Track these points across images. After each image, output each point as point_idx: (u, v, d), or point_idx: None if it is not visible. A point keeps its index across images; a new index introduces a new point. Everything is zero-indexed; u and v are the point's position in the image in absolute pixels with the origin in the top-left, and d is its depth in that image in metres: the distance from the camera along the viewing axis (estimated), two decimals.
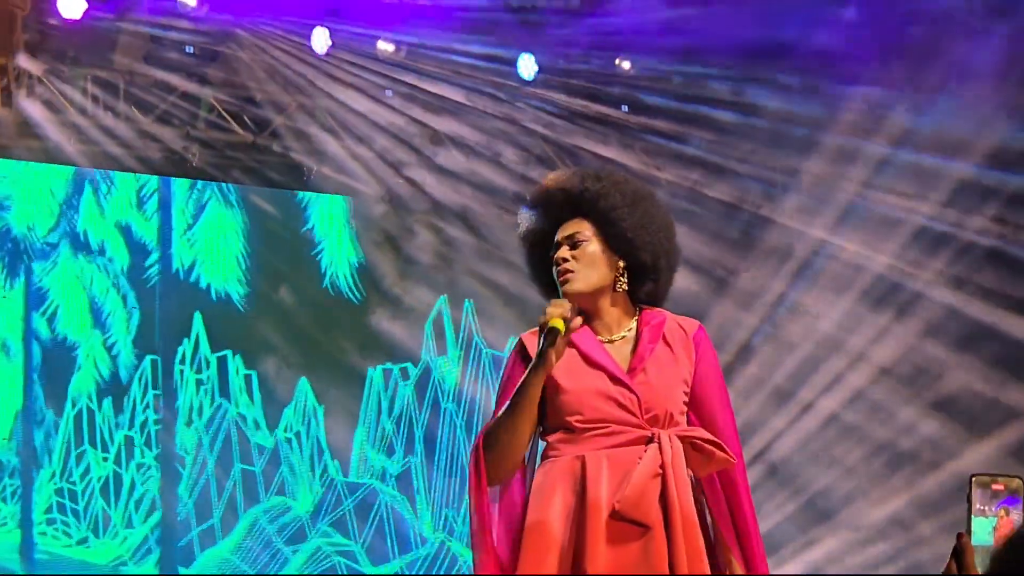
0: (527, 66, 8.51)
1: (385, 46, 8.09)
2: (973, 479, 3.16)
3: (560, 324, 3.69)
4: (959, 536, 2.74)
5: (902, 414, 9.51)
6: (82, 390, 8.91)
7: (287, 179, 8.81)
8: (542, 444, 3.96)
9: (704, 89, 8.72)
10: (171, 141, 8.24)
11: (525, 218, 4.06)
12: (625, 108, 8.92)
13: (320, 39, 7.84)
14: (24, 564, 8.86)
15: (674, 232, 4.00)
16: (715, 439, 3.83)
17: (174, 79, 8.04)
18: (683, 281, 4.62)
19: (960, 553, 2.69)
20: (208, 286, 9.12)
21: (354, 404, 9.65)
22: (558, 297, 3.86)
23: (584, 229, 3.90)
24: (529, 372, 3.78)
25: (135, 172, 8.64)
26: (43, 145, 8.01)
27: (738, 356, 9.43)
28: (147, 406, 9.01)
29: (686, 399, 3.90)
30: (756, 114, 8.84)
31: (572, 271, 3.85)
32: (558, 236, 3.92)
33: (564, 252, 3.88)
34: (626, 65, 8.70)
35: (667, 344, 3.93)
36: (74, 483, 8.99)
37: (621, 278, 3.90)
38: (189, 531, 9.28)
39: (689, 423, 3.87)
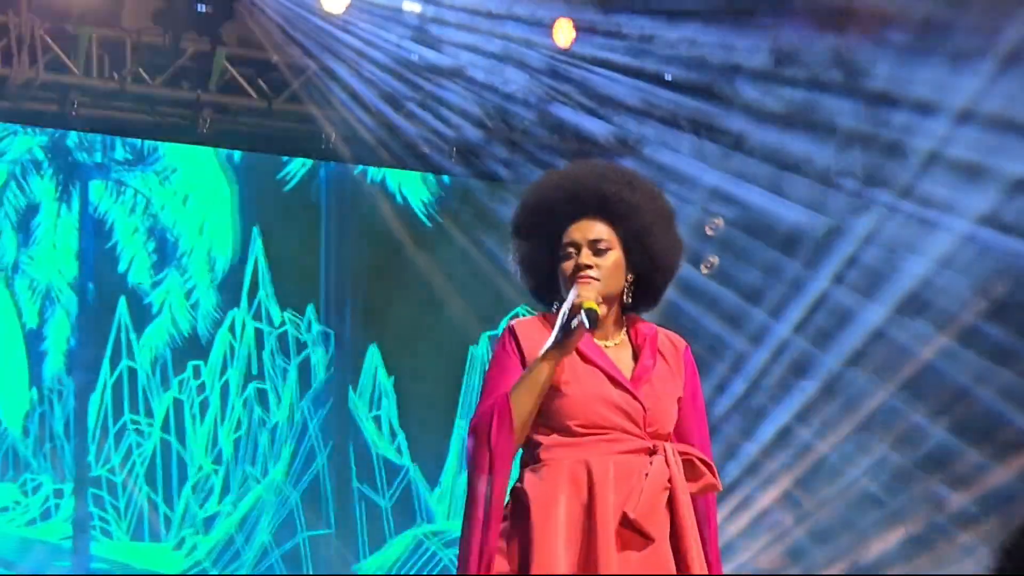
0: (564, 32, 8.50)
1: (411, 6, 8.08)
2: None
3: (596, 307, 3.68)
4: None
5: None
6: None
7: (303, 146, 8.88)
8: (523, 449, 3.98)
9: None
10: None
11: (532, 204, 4.03)
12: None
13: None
14: None
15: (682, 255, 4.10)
16: (709, 461, 3.95)
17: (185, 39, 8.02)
18: None
19: None
20: None
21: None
22: (554, 295, 3.90)
23: (609, 237, 3.91)
24: (548, 353, 3.74)
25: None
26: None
27: None
28: None
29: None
30: None
31: (595, 279, 3.85)
32: (576, 236, 3.91)
33: (588, 258, 3.89)
34: None
35: (663, 358, 3.99)
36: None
37: (628, 291, 3.90)
38: None
39: None
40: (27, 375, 9.24)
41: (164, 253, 9.43)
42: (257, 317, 9.72)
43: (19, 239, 9.21)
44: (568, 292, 3.82)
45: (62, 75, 7.91)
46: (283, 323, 9.80)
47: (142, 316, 9.45)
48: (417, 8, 8.08)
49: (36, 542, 9.60)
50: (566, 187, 3.98)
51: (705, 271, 10.06)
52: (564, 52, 8.60)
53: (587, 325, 3.68)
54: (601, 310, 3.78)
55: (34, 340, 9.25)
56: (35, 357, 9.28)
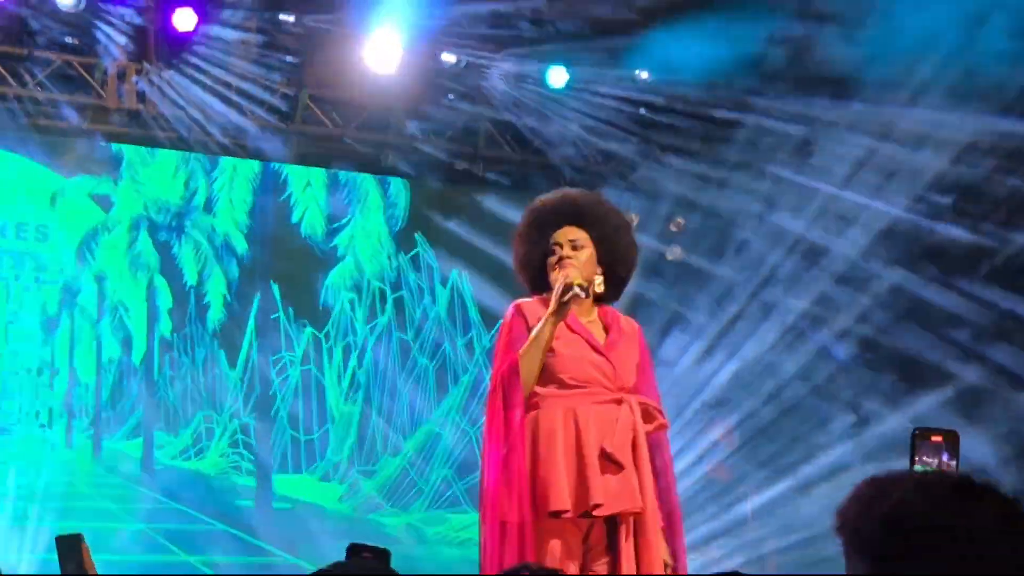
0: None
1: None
2: (915, 432, 3.73)
3: (580, 280, 4.82)
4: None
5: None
6: None
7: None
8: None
9: None
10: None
11: (529, 218, 5.22)
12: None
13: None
14: None
15: (637, 255, 5.34)
16: (660, 408, 5.18)
17: (276, 77, 9.45)
18: None
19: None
20: None
21: None
22: (546, 285, 5.03)
23: (582, 238, 5.08)
24: (548, 319, 4.88)
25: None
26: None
27: None
28: None
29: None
30: None
31: (572, 262, 5.01)
32: (558, 237, 5.08)
33: (567, 250, 5.05)
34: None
35: (624, 334, 5.18)
36: None
37: (600, 283, 5.09)
38: None
39: None
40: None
41: None
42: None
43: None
44: (556, 276, 4.97)
45: None
46: None
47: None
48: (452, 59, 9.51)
49: (219, 483, 10.84)
50: (553, 204, 5.21)
51: (674, 229, 10.87)
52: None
53: (581, 295, 4.83)
54: (585, 284, 4.89)
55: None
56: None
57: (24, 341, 10.35)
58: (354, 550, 3.60)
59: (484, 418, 5.36)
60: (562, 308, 4.88)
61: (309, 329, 11.02)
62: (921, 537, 2.21)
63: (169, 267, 10.64)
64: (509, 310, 5.27)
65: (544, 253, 5.17)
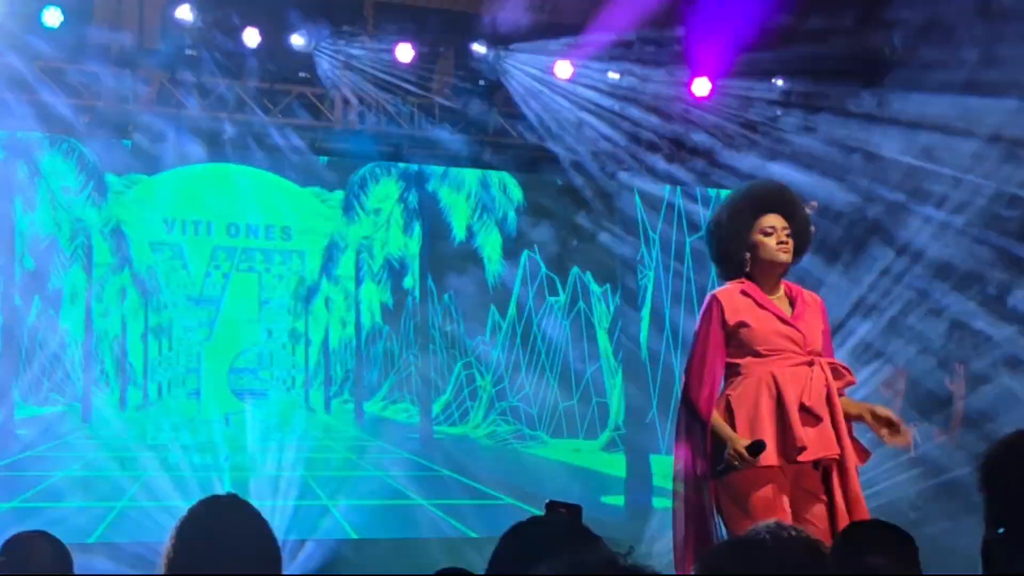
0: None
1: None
2: None
3: (737, 466, 5.40)
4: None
5: None
6: None
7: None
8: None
9: None
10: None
11: (736, 203, 5.78)
12: None
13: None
14: None
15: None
16: (847, 367, 5.78)
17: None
18: None
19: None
20: None
21: None
22: (735, 266, 5.68)
23: (787, 225, 5.68)
24: (734, 448, 5.40)
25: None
26: None
27: None
28: None
29: None
30: None
31: (787, 246, 5.65)
32: (772, 222, 5.67)
33: (782, 235, 5.67)
34: None
35: (808, 306, 5.76)
36: None
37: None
38: None
39: None
40: None
41: None
42: None
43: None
44: (766, 253, 5.59)
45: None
46: None
47: None
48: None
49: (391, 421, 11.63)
50: (763, 192, 5.81)
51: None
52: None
53: (754, 462, 5.35)
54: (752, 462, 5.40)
55: None
56: None
57: (275, 320, 11.33)
58: (551, 506, 3.99)
59: (682, 404, 5.90)
60: (736, 465, 5.45)
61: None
62: None
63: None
64: (708, 300, 5.83)
65: (747, 235, 5.75)
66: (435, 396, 11.72)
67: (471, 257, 11.88)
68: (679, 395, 5.93)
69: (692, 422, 5.72)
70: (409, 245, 11.71)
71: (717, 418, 5.64)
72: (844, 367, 5.79)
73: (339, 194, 11.52)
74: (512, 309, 11.86)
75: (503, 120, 10.96)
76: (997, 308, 11.01)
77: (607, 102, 10.95)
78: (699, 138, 11.29)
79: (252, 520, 3.74)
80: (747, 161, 11.12)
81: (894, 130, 10.93)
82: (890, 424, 5.73)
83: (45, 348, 10.58)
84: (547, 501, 3.98)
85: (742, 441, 5.45)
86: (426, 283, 11.85)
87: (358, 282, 11.68)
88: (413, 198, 11.73)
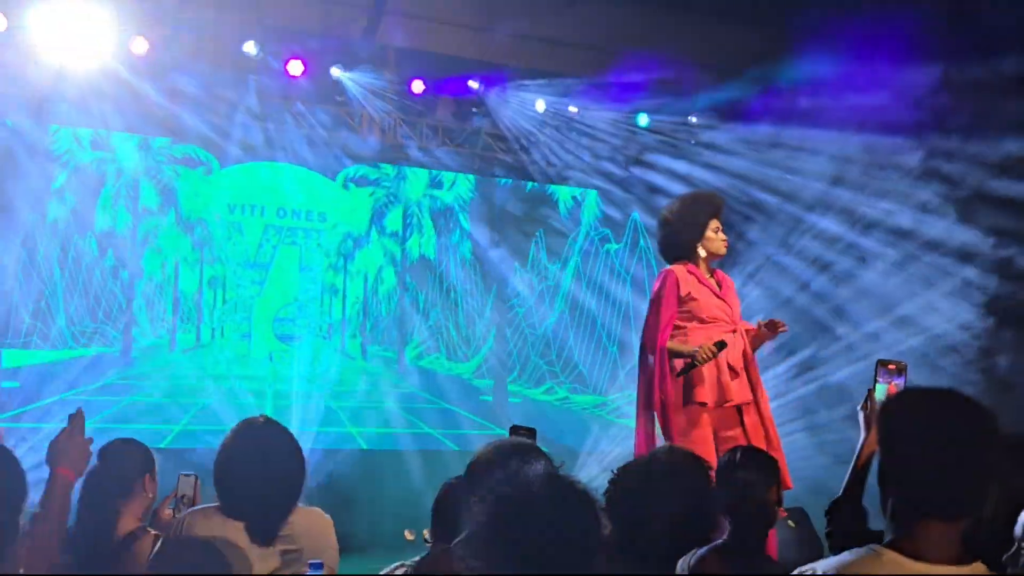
0: None
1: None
2: (878, 360, 4.14)
3: (708, 359, 6.06)
4: (869, 391, 3.98)
5: None
6: None
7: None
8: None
9: None
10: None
11: (697, 207, 6.45)
12: None
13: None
14: None
15: None
16: (751, 327, 6.51)
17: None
18: None
19: (868, 400, 3.94)
20: None
21: None
22: (683, 250, 6.42)
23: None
24: (690, 352, 6.09)
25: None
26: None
27: None
28: None
29: None
30: None
31: (727, 245, 6.53)
32: (717, 224, 6.48)
33: (724, 234, 6.52)
34: None
35: (728, 286, 6.57)
36: None
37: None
38: None
39: None
40: None
41: None
42: None
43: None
44: (714, 246, 6.38)
45: None
46: None
47: None
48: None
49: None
50: (713, 200, 6.55)
51: None
52: None
53: (700, 362, 6.00)
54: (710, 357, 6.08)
55: None
56: None
57: (311, 282, 12.46)
58: (514, 429, 4.22)
59: (640, 353, 6.45)
60: (698, 363, 6.06)
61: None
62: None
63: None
64: (665, 273, 6.44)
65: (701, 232, 6.42)
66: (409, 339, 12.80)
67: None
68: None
69: (647, 360, 6.31)
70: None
71: (672, 343, 6.25)
72: (749, 327, 6.55)
73: (358, 197, 12.81)
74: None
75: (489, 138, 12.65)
76: None
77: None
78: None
79: (282, 435, 4.21)
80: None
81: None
82: (772, 324, 6.41)
83: (141, 294, 11.67)
84: (511, 425, 4.19)
85: (706, 344, 6.05)
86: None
87: (369, 259, 12.80)
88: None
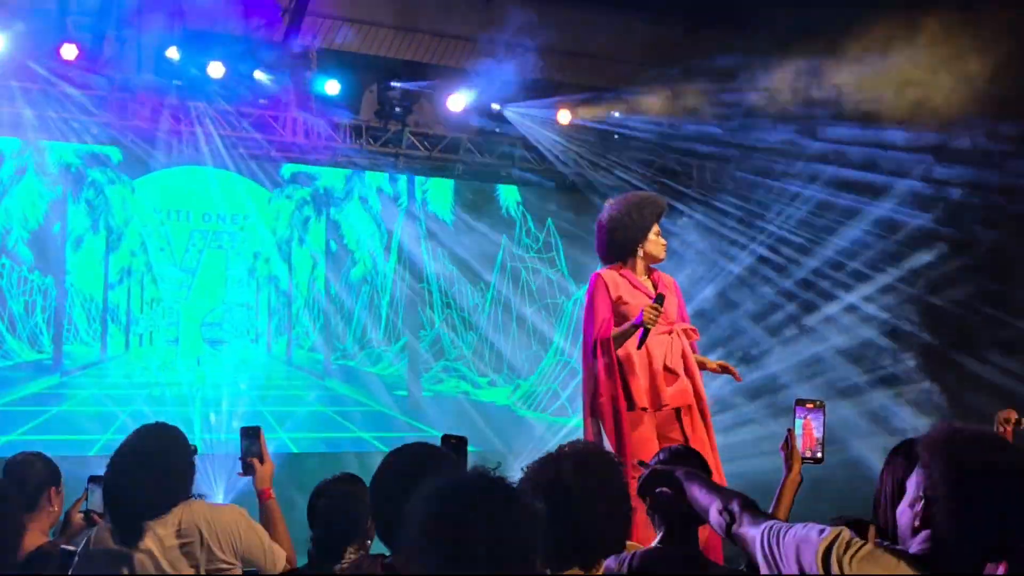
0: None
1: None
2: (796, 400, 4.39)
3: (655, 316, 5.97)
4: (788, 431, 4.27)
5: None
6: None
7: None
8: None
9: None
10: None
11: (642, 209, 6.36)
12: None
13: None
14: None
15: None
16: (693, 327, 6.48)
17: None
18: None
19: (788, 439, 4.25)
20: None
21: None
22: (626, 251, 6.35)
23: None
24: (631, 328, 6.01)
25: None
26: None
27: None
28: None
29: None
30: None
31: (666, 249, 6.47)
32: (657, 228, 6.40)
33: (663, 238, 6.45)
34: None
35: (666, 286, 6.40)
36: None
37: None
38: None
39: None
40: None
41: None
42: None
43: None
44: (655, 249, 6.26)
45: None
46: None
47: None
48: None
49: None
50: (657, 203, 6.45)
51: None
52: None
53: (646, 331, 5.90)
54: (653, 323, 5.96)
55: None
56: None
57: (238, 285, 12.58)
58: (445, 438, 4.03)
59: (580, 353, 6.45)
60: (648, 326, 5.99)
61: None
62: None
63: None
64: (594, 277, 6.38)
65: (643, 235, 6.39)
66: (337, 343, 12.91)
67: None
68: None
69: (591, 363, 6.26)
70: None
71: (614, 330, 6.19)
72: (693, 329, 6.49)
73: (281, 199, 12.94)
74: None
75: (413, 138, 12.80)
76: None
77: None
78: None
79: (174, 440, 4.36)
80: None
81: None
82: (724, 368, 6.41)
83: (67, 302, 11.61)
84: (443, 435, 4.07)
85: (648, 306, 6.00)
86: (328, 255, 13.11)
87: (291, 261, 12.93)
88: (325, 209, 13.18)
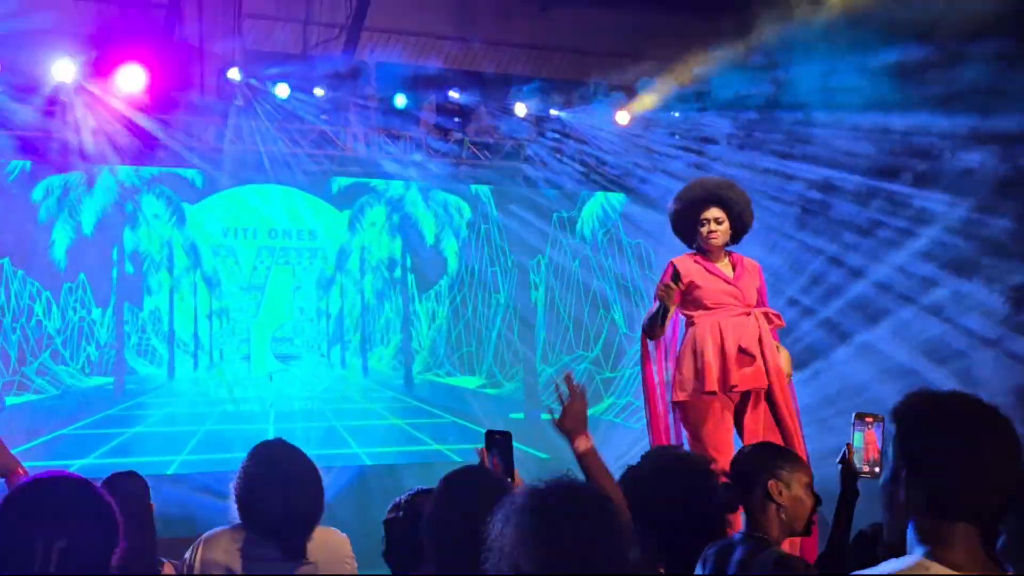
0: None
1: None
2: (856, 413, 4.26)
3: (668, 302, 6.16)
4: (847, 445, 4.21)
5: None
6: None
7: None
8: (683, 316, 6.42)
9: None
10: None
11: (686, 198, 6.40)
12: None
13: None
14: None
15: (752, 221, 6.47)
16: (777, 313, 6.46)
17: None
18: None
19: (847, 453, 4.19)
20: None
21: None
22: (690, 239, 6.44)
23: (722, 215, 6.39)
24: (653, 309, 6.17)
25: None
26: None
27: None
28: None
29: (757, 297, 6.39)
30: None
31: (717, 234, 6.39)
32: (707, 214, 6.35)
33: (713, 225, 6.36)
34: None
35: (746, 270, 6.44)
36: None
37: (729, 239, 6.41)
38: None
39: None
40: None
41: None
42: None
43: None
44: (701, 239, 6.29)
45: None
46: None
47: None
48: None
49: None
50: (702, 190, 6.41)
51: None
52: None
53: (665, 305, 6.07)
54: (672, 308, 6.18)
55: None
56: None
57: (306, 300, 12.54)
58: (489, 434, 4.04)
59: (641, 348, 6.47)
60: (665, 302, 6.15)
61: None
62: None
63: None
64: (668, 265, 6.49)
65: (695, 221, 6.42)
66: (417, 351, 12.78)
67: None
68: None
69: (647, 352, 6.36)
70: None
71: (645, 317, 6.32)
72: (775, 314, 6.48)
73: (347, 213, 12.91)
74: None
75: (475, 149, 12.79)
76: None
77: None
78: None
79: (298, 455, 4.31)
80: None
81: None
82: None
83: (135, 327, 11.69)
84: (487, 430, 4.05)
85: (660, 284, 6.16)
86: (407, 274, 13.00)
87: (361, 273, 12.88)
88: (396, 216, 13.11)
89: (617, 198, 13.81)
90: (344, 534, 4.53)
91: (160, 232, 12.25)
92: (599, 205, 13.93)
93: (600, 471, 3.75)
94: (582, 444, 3.81)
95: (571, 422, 3.85)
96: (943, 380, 10.71)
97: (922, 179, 11.38)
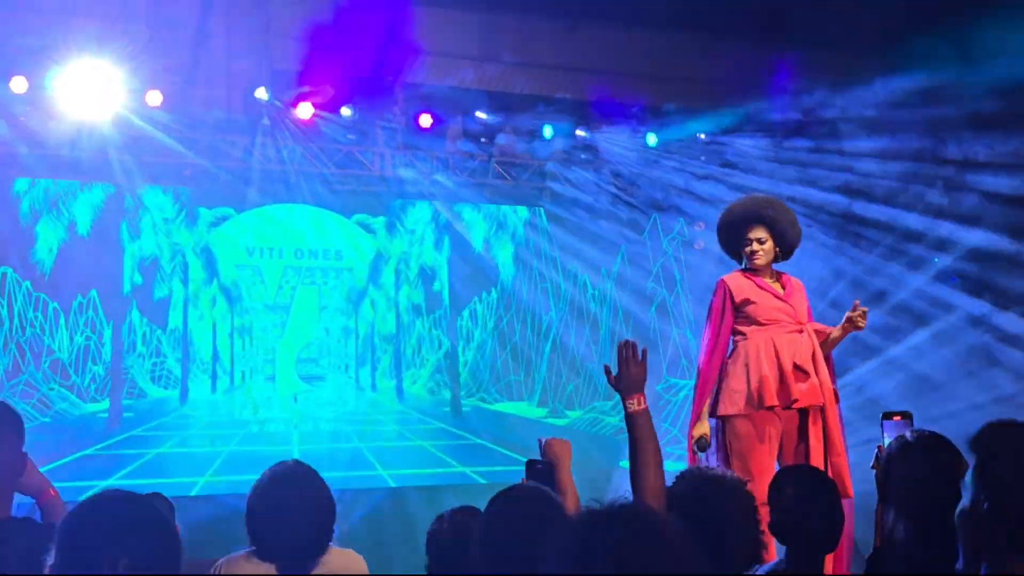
0: None
1: None
2: (883, 414, 4.24)
3: (704, 442, 6.18)
4: (879, 448, 4.13)
5: None
6: None
7: None
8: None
9: None
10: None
11: (729, 218, 6.44)
12: None
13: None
14: None
15: (800, 238, 6.44)
16: (825, 328, 6.40)
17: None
18: None
19: (879, 458, 4.06)
20: None
21: None
22: (738, 256, 6.44)
23: (765, 235, 6.39)
24: (695, 426, 6.24)
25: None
26: None
27: None
28: None
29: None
30: None
31: (760, 254, 6.38)
32: (750, 234, 6.37)
33: (756, 245, 6.38)
34: None
35: (794, 287, 6.46)
36: None
37: (778, 257, 6.41)
38: None
39: None
40: None
41: None
42: None
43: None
44: (746, 258, 6.33)
45: None
46: None
47: None
48: None
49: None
50: (744, 210, 6.43)
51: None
52: None
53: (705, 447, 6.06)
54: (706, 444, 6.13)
55: None
56: None
57: (332, 320, 12.56)
58: (530, 463, 4.04)
59: (700, 357, 6.44)
60: (697, 447, 6.19)
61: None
62: None
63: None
64: (719, 284, 6.49)
65: (741, 237, 6.46)
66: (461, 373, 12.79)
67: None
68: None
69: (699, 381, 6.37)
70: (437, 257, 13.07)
71: (701, 417, 6.29)
72: (822, 328, 6.48)
73: (382, 218, 12.89)
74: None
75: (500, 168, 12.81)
76: None
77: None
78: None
79: (310, 476, 4.21)
80: None
81: None
82: (850, 321, 6.29)
83: (150, 346, 11.68)
84: (527, 460, 4.04)
85: (704, 436, 6.20)
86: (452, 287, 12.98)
87: (397, 287, 12.86)
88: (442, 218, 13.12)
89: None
90: (361, 557, 4.43)
91: (187, 251, 12.28)
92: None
93: (646, 435, 3.83)
94: (634, 405, 3.90)
95: (626, 383, 3.95)
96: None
97: None
